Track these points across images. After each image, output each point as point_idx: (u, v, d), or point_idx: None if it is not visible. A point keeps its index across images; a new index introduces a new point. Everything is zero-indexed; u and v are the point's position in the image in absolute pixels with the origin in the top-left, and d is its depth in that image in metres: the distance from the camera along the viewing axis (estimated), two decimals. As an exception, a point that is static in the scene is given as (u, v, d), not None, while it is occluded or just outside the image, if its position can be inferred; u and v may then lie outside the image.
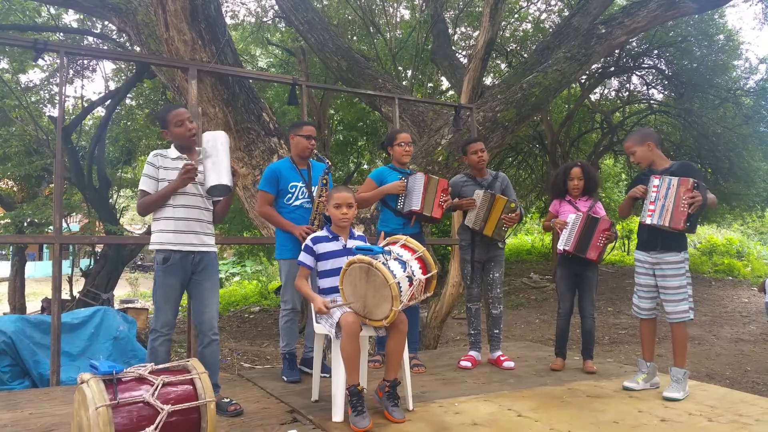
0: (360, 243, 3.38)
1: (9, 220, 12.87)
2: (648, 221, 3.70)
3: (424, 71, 14.80)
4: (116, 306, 13.29)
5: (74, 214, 17.04)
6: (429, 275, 3.20)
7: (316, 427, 3.09)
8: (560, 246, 4.33)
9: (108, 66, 14.75)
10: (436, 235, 14.70)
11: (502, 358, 4.50)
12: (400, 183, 4.23)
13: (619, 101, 17.67)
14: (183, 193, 3.28)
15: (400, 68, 14.95)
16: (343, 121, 15.58)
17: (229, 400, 3.37)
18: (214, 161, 3.14)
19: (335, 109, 15.65)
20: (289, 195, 4.02)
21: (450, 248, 11.41)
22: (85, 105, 14.08)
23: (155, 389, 2.38)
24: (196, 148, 3.38)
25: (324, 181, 4.03)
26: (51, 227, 12.45)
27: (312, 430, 3.05)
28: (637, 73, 16.07)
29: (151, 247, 3.32)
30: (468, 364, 4.43)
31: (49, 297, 14.09)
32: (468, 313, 4.61)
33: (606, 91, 17.92)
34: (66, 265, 18.14)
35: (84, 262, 18.34)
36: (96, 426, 2.21)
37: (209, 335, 3.38)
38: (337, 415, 3.14)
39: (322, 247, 3.39)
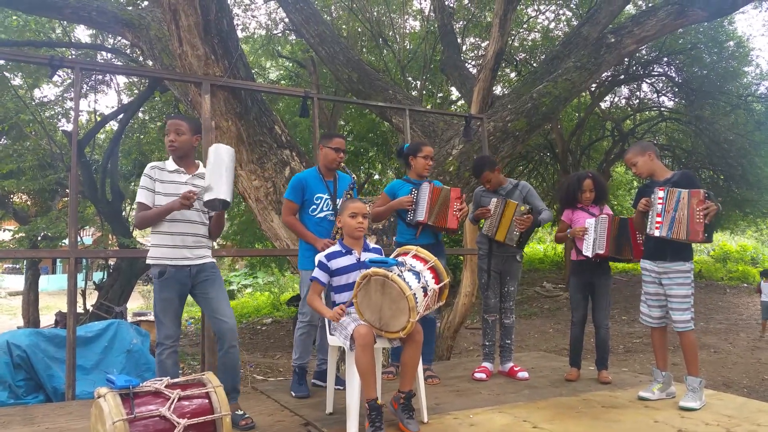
0: (374, 255, 3.39)
1: (23, 234, 12.98)
2: (656, 233, 3.69)
3: (434, 81, 14.86)
4: (129, 319, 13.34)
5: (87, 227, 17.19)
6: (441, 284, 3.21)
7: (331, 440, 3.09)
8: (587, 251, 4.29)
9: (121, 80, 14.94)
10: (448, 245, 14.68)
11: (516, 369, 4.47)
12: (407, 198, 4.26)
13: (629, 109, 17.62)
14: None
15: (409, 79, 15.02)
16: (353, 131, 15.64)
17: (242, 413, 3.37)
18: (214, 175, 3.14)
19: (345, 119, 15.73)
20: (314, 206, 4.03)
21: (462, 258, 11.39)
22: (98, 119, 14.23)
23: (171, 403, 2.39)
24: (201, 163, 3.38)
25: (349, 195, 4.05)
26: (65, 241, 12.60)
27: (327, 443, 3.05)
28: (647, 80, 16.03)
29: (148, 261, 3.37)
30: (482, 375, 4.41)
31: (63, 310, 14.27)
32: (484, 324, 4.59)
33: (616, 99, 17.89)
34: (79, 278, 18.25)
35: (97, 275, 18.46)
36: (113, 440, 2.23)
37: (231, 342, 3.37)
38: (352, 428, 3.12)
39: (336, 263, 3.40)
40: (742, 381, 8.05)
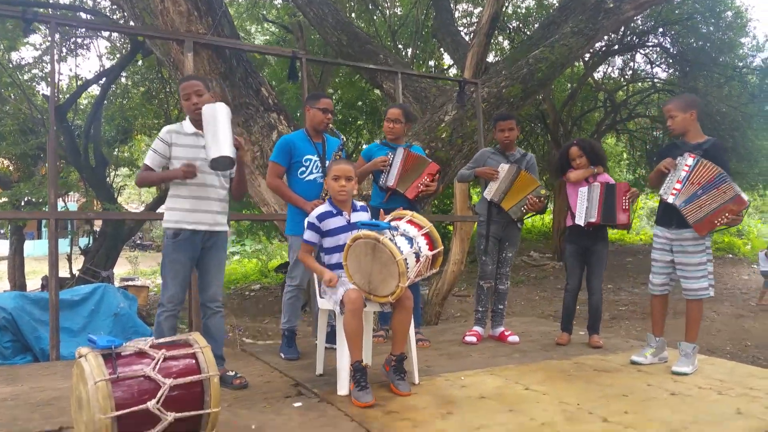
0: (364, 217, 3.30)
1: (6, 199, 12.79)
2: (670, 200, 3.59)
3: (426, 49, 14.60)
4: (117, 284, 13.25)
5: (71, 193, 16.94)
6: (436, 251, 3.13)
7: (321, 400, 3.05)
8: (579, 220, 4.22)
9: (102, 44, 14.56)
10: (440, 211, 14.62)
11: (506, 333, 4.45)
12: (381, 159, 4.15)
13: (622, 80, 17.47)
14: (200, 171, 3.19)
15: (400, 46, 14.73)
16: (342, 99, 15.41)
17: (234, 373, 3.33)
18: (213, 133, 3.01)
19: (334, 87, 15.47)
20: (303, 168, 3.91)
21: (451, 227, 11.36)
22: (80, 84, 13.90)
23: (156, 363, 2.31)
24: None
25: (337, 157, 3.92)
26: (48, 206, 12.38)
27: (317, 403, 3.00)
28: (641, 51, 15.85)
29: (164, 225, 3.25)
30: (473, 339, 4.38)
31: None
32: (478, 291, 4.53)
33: (609, 69, 17.74)
34: (65, 243, 18.08)
35: (83, 241, 18.30)
36: (95, 400, 2.15)
37: (213, 307, 3.34)
38: (342, 388, 3.09)
39: (327, 224, 3.31)
40: (725, 347, 8.15)
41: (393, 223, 3.11)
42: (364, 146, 16.70)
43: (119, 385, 2.22)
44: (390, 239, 2.96)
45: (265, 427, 2.66)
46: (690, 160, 3.57)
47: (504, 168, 4.32)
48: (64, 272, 15.30)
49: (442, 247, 3.13)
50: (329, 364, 3.48)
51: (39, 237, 34.20)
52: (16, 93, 13.13)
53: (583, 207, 4.22)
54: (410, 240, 3.04)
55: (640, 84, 17.55)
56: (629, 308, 11.35)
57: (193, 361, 2.41)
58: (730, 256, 18.10)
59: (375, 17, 14.44)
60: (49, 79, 13.77)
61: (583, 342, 4.42)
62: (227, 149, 3.02)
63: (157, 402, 2.24)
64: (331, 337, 3.80)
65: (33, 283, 16.20)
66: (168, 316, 3.23)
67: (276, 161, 3.91)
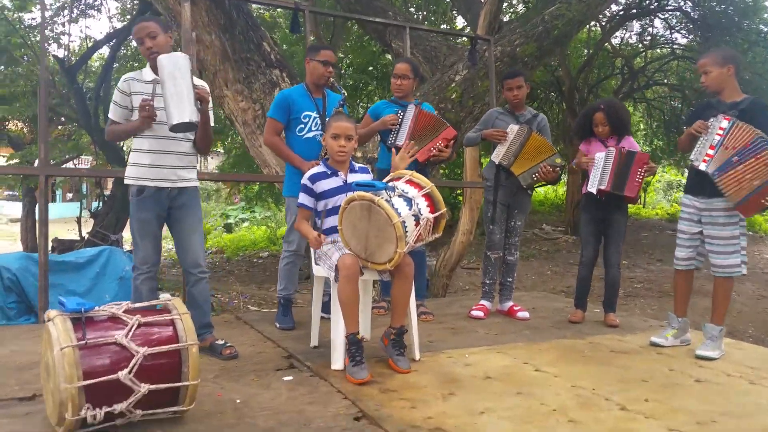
0: (362, 177, 3.06)
1: (17, 160, 12.74)
2: (702, 167, 3.28)
3: (437, 11, 14.12)
4: (126, 248, 13.21)
5: (83, 156, 16.85)
6: (438, 213, 2.89)
7: (313, 374, 2.85)
8: (592, 187, 3.96)
9: (113, 5, 14.27)
10: (447, 178, 14.30)
11: (515, 308, 4.22)
12: (390, 117, 3.87)
13: (640, 46, 16.87)
14: (159, 122, 2.94)
15: (411, 10, 14.27)
16: (352, 64, 15.02)
17: (224, 342, 3.15)
18: (172, 93, 2.69)
19: (345, 51, 15.09)
20: (302, 125, 3.66)
21: (461, 196, 11.09)
22: (90, 45, 13.67)
23: (129, 330, 2.11)
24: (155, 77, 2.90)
25: (338, 112, 3.67)
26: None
27: (309, 377, 2.81)
28: (660, 15, 15.24)
29: (126, 181, 3.04)
30: (480, 313, 4.16)
31: (60, 237, 14.12)
32: (485, 262, 4.30)
33: (627, 35, 17.12)
34: (75, 206, 18.05)
35: (94, 204, 18.28)
36: (61, 368, 1.96)
37: (196, 273, 3.14)
38: (337, 362, 2.89)
39: (321, 185, 3.08)
40: (747, 330, 7.88)
41: (391, 184, 2.87)
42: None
43: (88, 352, 2.03)
44: (386, 200, 2.72)
45: (250, 401, 2.47)
46: (725, 123, 3.24)
47: (513, 129, 4.04)
48: (73, 235, 15.35)
49: (445, 209, 2.89)
50: (325, 335, 3.28)
51: (53, 200, 34.45)
52: (28, 54, 12.93)
53: (597, 173, 3.95)
54: (409, 201, 2.79)
55: (658, 50, 16.92)
56: (645, 285, 11.07)
57: (171, 329, 2.20)
58: (751, 233, 17.68)
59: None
60: (60, 41, 13.66)
61: (598, 320, 4.18)
62: (187, 113, 2.71)
63: (130, 372, 2.05)
64: (327, 307, 3.60)
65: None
66: (145, 278, 3.05)
67: (273, 117, 3.66)
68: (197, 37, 4.67)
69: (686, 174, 3.67)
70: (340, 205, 2.92)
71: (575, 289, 4.27)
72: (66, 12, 13.27)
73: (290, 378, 2.77)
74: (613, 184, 3.88)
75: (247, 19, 5.08)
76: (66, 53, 13.92)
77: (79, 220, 14.50)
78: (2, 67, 13.01)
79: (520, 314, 4.17)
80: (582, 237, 4.19)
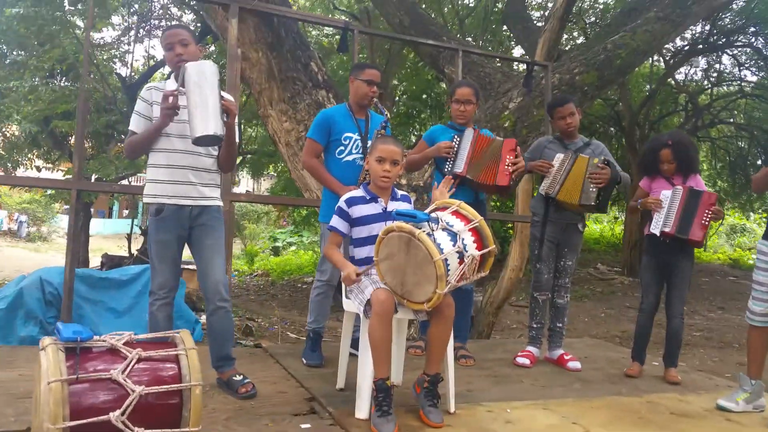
0: (403, 206, 2.80)
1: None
2: None
3: (494, 39, 13.91)
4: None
5: (140, 174, 17.26)
6: (485, 251, 2.58)
7: (334, 423, 2.56)
8: (655, 229, 3.60)
9: (175, 25, 14.65)
10: (497, 210, 13.90)
11: (566, 357, 3.83)
12: (445, 144, 3.59)
13: (706, 82, 16.18)
14: (178, 135, 2.76)
15: (468, 39, 14.12)
16: (407, 92, 14.93)
17: (242, 378, 2.89)
18: (197, 103, 2.51)
19: (399, 79, 15.03)
20: (342, 147, 3.44)
21: (512, 230, 10.68)
22: (152, 64, 14.06)
23: (128, 365, 1.89)
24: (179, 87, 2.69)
25: (380, 135, 3.44)
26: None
27: (329, 426, 2.52)
28: (728, 51, 14.59)
29: (144, 200, 2.86)
30: (526, 361, 3.79)
31: (110, 253, 14.36)
32: (532, 303, 3.94)
33: (692, 70, 16.47)
34: (125, 223, 18.44)
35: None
36: (46, 404, 1.75)
37: (215, 301, 2.89)
38: (361, 411, 2.60)
39: (358, 210, 2.83)
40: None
41: (434, 215, 2.59)
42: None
43: (79, 388, 1.81)
44: (428, 234, 2.44)
45: (260, 452, 2.20)
46: None
47: (558, 158, 3.72)
48: (123, 251, 15.61)
49: (494, 246, 2.58)
50: (353, 375, 2.99)
51: (110, 216, 35.56)
52: (94, 72, 13.38)
53: (662, 213, 3.58)
54: (453, 236, 2.50)
55: (725, 88, 16.22)
56: (704, 334, 10.34)
57: (174, 366, 1.97)
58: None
59: (444, 7, 13.86)
60: (125, 59, 14.12)
61: (657, 375, 3.76)
62: (212, 125, 2.51)
63: (123, 413, 1.82)
64: (358, 343, 3.34)
65: (96, 261, 16.59)
66: (161, 304, 2.84)
67: (313, 138, 3.46)
68: (243, 55, 4.57)
69: (753, 218, 3.27)
70: (375, 235, 2.67)
71: (633, 339, 3.86)
72: (132, 33, 13.69)
73: (308, 426, 2.49)
74: (678, 226, 3.52)
75: (295, 38, 4.97)
76: (129, 71, 14.36)
77: (129, 237, 14.75)
78: (69, 83, 13.48)
79: (571, 364, 3.78)
80: (643, 282, 3.80)
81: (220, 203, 2.97)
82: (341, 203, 2.84)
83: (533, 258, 3.92)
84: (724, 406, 3.11)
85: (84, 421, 1.77)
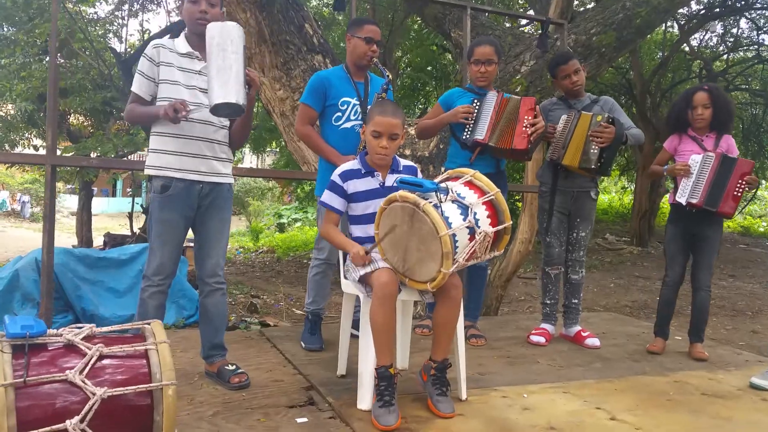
0: (406, 176, 2.51)
1: (72, 153, 12.86)
2: None
3: (503, 1, 13.45)
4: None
5: (139, 153, 17.02)
6: (500, 228, 2.30)
7: (334, 415, 2.32)
8: (681, 197, 3.30)
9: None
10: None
11: (583, 334, 3.57)
12: (463, 108, 3.26)
13: (722, 48, 15.65)
14: (192, 102, 2.49)
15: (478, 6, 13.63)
16: (411, 64, 14.51)
17: (234, 367, 2.64)
18: (219, 67, 2.25)
19: (403, 50, 14.61)
20: (339, 113, 3.15)
21: (520, 201, 10.38)
22: (147, 38, 13.71)
23: (87, 364, 1.63)
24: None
25: (381, 99, 3.14)
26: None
27: (328, 419, 2.28)
28: (746, 15, 14.03)
29: (146, 171, 2.57)
30: (541, 339, 3.53)
31: (112, 232, 14.19)
32: (544, 279, 3.68)
33: (707, 36, 15.91)
34: (128, 201, 18.25)
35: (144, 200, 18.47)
36: (-11, 414, 1.49)
37: (211, 283, 2.65)
38: (364, 401, 2.35)
39: (353, 185, 2.54)
40: None
41: (444, 185, 2.30)
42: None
43: (28, 393, 1.56)
44: (435, 206, 2.16)
45: (247, 454, 1.96)
46: None
47: (562, 119, 3.41)
48: (124, 230, 15.45)
49: (510, 222, 2.30)
50: (355, 360, 2.75)
51: (114, 195, 35.45)
52: (88, 48, 13.03)
53: (690, 181, 3.27)
54: (464, 209, 2.21)
55: (741, 53, 15.67)
56: (716, 303, 10.07)
57: (143, 363, 1.71)
58: None
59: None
60: (119, 34, 13.77)
61: (682, 351, 3.50)
62: (234, 93, 2.24)
63: (82, 420, 1.57)
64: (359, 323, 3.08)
65: (100, 239, 16.48)
66: (154, 292, 2.56)
67: (307, 103, 3.15)
68: (230, 16, 4.22)
69: (764, 185, 3.02)
70: (371, 213, 2.39)
71: (657, 313, 3.59)
72: (126, 7, 13.32)
73: (305, 420, 2.24)
74: (707, 197, 3.22)
75: (288, -4, 4.59)
76: (124, 47, 14.00)
77: (130, 216, 14.58)
78: (63, 60, 13.15)
79: (589, 341, 3.52)
80: (668, 254, 3.51)
81: (232, 181, 2.71)
82: (335, 177, 2.56)
83: (542, 231, 3.65)
84: (758, 385, 2.86)
85: (36, 431, 1.52)
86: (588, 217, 3.61)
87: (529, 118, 3.16)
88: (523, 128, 3.15)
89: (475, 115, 3.25)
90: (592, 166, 3.30)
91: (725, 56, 15.65)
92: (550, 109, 3.58)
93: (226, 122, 2.65)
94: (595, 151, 3.28)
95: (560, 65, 3.51)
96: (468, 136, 3.27)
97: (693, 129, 3.39)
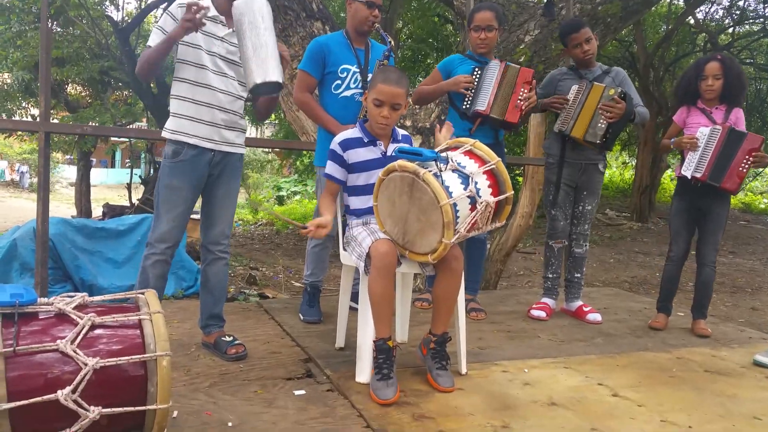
0: (405, 145, 2.44)
1: (70, 123, 12.74)
2: None
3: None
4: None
5: (137, 123, 16.88)
6: (502, 197, 2.24)
7: (332, 388, 2.29)
8: (686, 171, 3.24)
9: (168, -34, 13.99)
10: (507, 155, 13.45)
11: (585, 309, 3.54)
12: (464, 78, 3.18)
13: (728, 21, 15.40)
14: (216, 72, 2.45)
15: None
16: (412, 35, 14.30)
17: (231, 339, 2.61)
18: (256, 45, 2.15)
19: (405, 21, 14.38)
20: (338, 81, 3.05)
21: (521, 176, 10.30)
22: (144, 6, 13.45)
23: (79, 333, 1.59)
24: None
25: (384, 63, 3.04)
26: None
27: (326, 392, 2.24)
28: (754, -14, 13.81)
29: (163, 134, 2.51)
30: (542, 313, 3.50)
31: (111, 203, 14.13)
32: (547, 252, 3.63)
33: (713, 8, 15.65)
34: (124, 172, 18.18)
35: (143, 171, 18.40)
36: (-23, 384, 1.45)
37: (214, 251, 2.62)
38: (362, 374, 2.32)
39: (354, 155, 2.47)
40: None
41: (444, 154, 2.23)
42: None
43: (16, 363, 1.51)
44: (435, 175, 2.09)
45: (244, 426, 1.92)
46: None
47: (573, 89, 3.33)
48: (123, 201, 15.39)
49: (512, 192, 2.24)
50: (354, 333, 2.71)
51: (112, 165, 35.31)
52: (86, 16, 12.82)
53: (696, 154, 3.20)
54: (465, 178, 2.16)
55: (747, 26, 15.42)
56: (716, 279, 9.94)
57: (136, 333, 1.67)
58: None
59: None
60: (117, 1, 13.51)
61: (684, 327, 3.47)
62: (272, 70, 2.16)
63: (74, 391, 1.53)
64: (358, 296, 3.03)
65: (99, 210, 16.45)
66: (157, 260, 2.51)
67: (305, 70, 3.07)
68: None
69: None
70: (374, 182, 2.32)
71: (660, 288, 3.55)
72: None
73: (302, 392, 2.21)
74: (711, 172, 3.15)
75: (285, -40, 4.46)
76: (122, 15, 13.76)
77: (129, 187, 14.52)
78: (59, 29, 12.94)
79: (591, 316, 3.49)
80: (672, 228, 3.46)
81: (244, 151, 2.66)
82: (334, 146, 2.49)
83: (547, 203, 3.59)
84: (762, 362, 2.83)
85: (25, 401, 1.48)
86: (595, 190, 3.56)
87: (525, 91, 3.10)
88: (518, 101, 3.09)
89: (476, 84, 3.17)
90: (597, 141, 3.24)
91: (731, 29, 15.39)
92: (560, 79, 3.49)
93: (244, 93, 2.59)
94: (602, 125, 3.21)
95: (571, 33, 3.42)
96: (468, 106, 3.19)
97: (702, 101, 3.30)
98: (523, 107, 3.12)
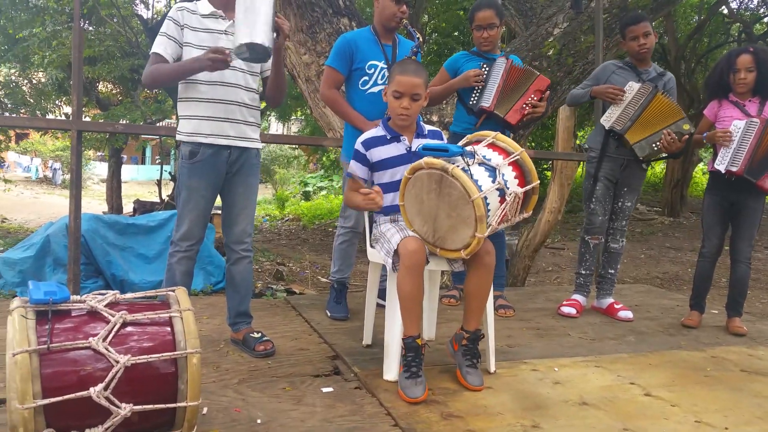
0: (430, 141, 2.42)
1: (102, 120, 12.96)
2: None
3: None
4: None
5: (167, 120, 17.13)
6: (529, 187, 2.22)
7: (360, 385, 2.28)
8: (720, 165, 3.16)
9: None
10: (533, 148, 13.33)
11: (616, 306, 3.48)
12: (474, 72, 3.16)
13: (764, 9, 14.98)
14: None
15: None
16: (437, 29, 14.21)
17: (260, 335, 2.63)
18: (247, 8, 2.15)
19: (430, 15, 14.32)
20: (366, 78, 3.04)
21: (549, 171, 10.19)
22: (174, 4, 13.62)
23: (110, 331, 1.60)
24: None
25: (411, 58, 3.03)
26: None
27: (353, 390, 2.24)
28: (791, -27, 13.40)
29: (177, 137, 2.54)
30: (572, 310, 3.45)
31: (141, 199, 14.35)
32: (582, 248, 3.57)
33: (748, -2, 15.23)
34: (155, 169, 18.46)
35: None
36: (13, 380, 1.48)
37: (238, 251, 2.64)
38: (390, 372, 2.31)
39: (377, 153, 2.46)
40: None
41: (469, 148, 2.21)
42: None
43: (50, 360, 1.53)
44: (463, 170, 2.07)
45: (272, 423, 1.92)
46: None
47: (633, 87, 3.25)
48: (154, 197, 15.62)
49: (538, 182, 2.22)
50: (381, 330, 2.70)
51: (143, 162, 35.87)
52: (117, 15, 13.02)
53: (731, 148, 3.12)
54: (492, 171, 2.14)
55: (784, 15, 15.01)
56: (752, 275, 9.81)
57: (167, 331, 1.68)
58: None
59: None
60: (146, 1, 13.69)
61: (718, 325, 3.40)
62: (260, 34, 2.14)
63: (106, 388, 1.54)
64: (385, 293, 3.02)
65: (130, 207, 16.72)
66: (182, 257, 2.55)
67: (332, 66, 3.06)
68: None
69: None
70: (400, 178, 2.31)
71: (693, 285, 3.48)
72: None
73: (330, 389, 2.21)
74: (749, 166, 3.06)
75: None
76: (151, 13, 13.93)
77: (159, 183, 14.72)
78: (91, 28, 13.15)
79: (622, 314, 3.43)
80: (705, 224, 3.38)
81: (261, 146, 2.67)
82: (358, 145, 2.48)
83: (587, 197, 3.53)
84: (802, 363, 2.75)
85: (59, 398, 1.50)
86: (636, 187, 3.51)
87: (535, 98, 3.10)
88: (523, 105, 3.10)
89: (483, 79, 3.16)
90: (641, 157, 3.27)
91: (766, 18, 14.97)
92: (613, 71, 3.44)
93: (254, 84, 2.60)
94: (656, 148, 3.22)
95: (630, 25, 3.37)
96: (474, 102, 3.19)
97: (734, 94, 3.21)
98: (526, 113, 3.13)
